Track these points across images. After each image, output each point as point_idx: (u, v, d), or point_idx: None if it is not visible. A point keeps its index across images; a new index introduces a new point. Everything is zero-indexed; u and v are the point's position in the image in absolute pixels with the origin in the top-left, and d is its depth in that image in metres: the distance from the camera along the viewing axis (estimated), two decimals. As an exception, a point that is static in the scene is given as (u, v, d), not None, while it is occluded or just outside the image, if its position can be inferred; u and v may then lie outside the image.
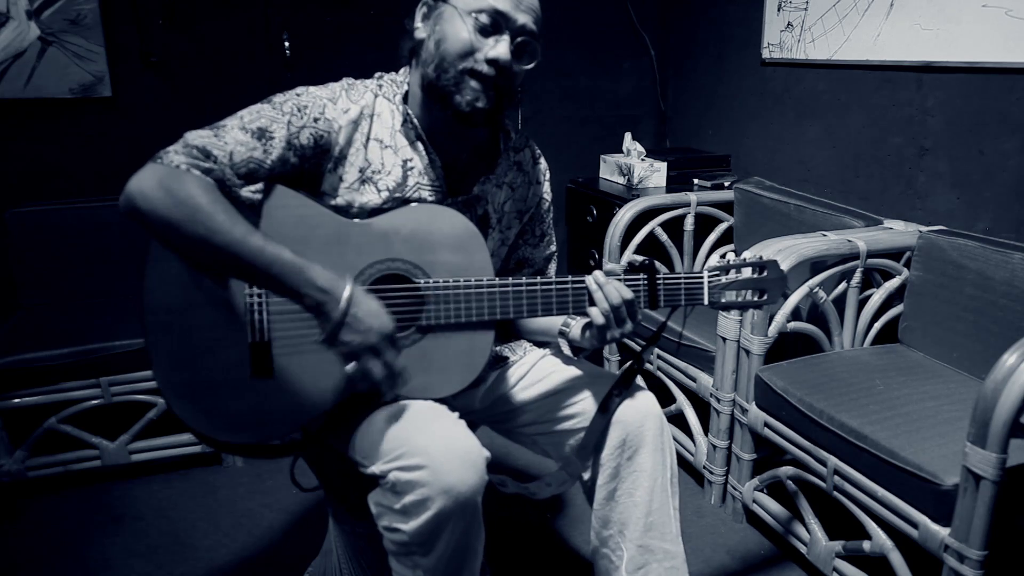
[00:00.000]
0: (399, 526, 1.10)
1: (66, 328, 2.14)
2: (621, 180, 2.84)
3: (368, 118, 1.23)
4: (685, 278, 1.23)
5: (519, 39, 1.18)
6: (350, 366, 1.09)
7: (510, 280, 1.20)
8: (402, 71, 1.30)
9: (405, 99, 1.27)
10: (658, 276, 1.22)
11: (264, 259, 1.06)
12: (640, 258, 2.38)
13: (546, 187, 1.44)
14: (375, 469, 1.12)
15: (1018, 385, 1.24)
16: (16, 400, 1.99)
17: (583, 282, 1.19)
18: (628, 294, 1.17)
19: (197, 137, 1.11)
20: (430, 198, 1.27)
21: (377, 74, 1.29)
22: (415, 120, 1.25)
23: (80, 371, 2.03)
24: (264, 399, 1.17)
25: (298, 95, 1.19)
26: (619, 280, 1.19)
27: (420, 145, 1.26)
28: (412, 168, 1.25)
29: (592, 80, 3.07)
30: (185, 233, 1.05)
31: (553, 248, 1.48)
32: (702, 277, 1.23)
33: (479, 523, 1.14)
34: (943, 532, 1.36)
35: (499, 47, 1.16)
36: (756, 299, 1.25)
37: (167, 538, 1.90)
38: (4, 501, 2.04)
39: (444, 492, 1.06)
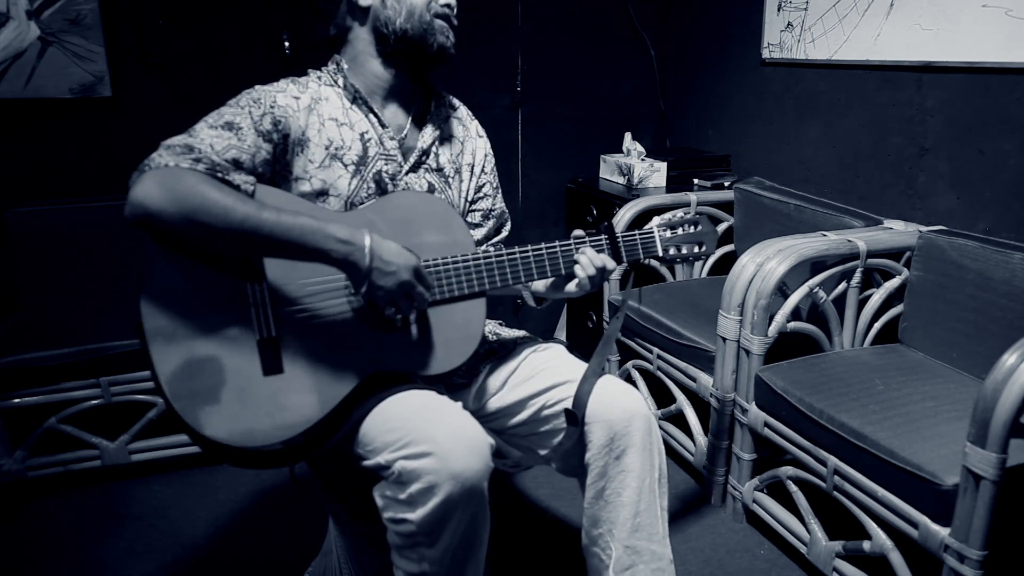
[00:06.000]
0: (406, 516, 1.10)
1: (66, 328, 2.14)
2: (621, 180, 2.84)
3: (318, 102, 1.31)
4: (640, 235, 1.38)
5: None
6: (389, 311, 1.20)
7: (492, 252, 1.28)
8: (331, 61, 1.38)
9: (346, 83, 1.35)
10: (618, 235, 1.35)
11: (283, 226, 1.11)
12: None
13: (488, 143, 1.54)
14: (380, 459, 1.12)
15: (1018, 385, 1.24)
16: (16, 400, 1.99)
17: (555, 248, 1.31)
18: (599, 263, 1.30)
19: (175, 140, 1.17)
20: (387, 166, 1.34)
21: (309, 71, 1.38)
22: (364, 96, 1.34)
23: (80, 371, 2.03)
24: (280, 396, 1.16)
25: (248, 92, 1.27)
26: (587, 243, 1.32)
27: (373, 117, 1.35)
28: (369, 140, 1.34)
29: (592, 80, 3.07)
30: (200, 222, 1.09)
31: (505, 207, 1.58)
32: (653, 233, 1.39)
33: (485, 512, 1.14)
34: (943, 532, 1.36)
35: None
36: (698, 251, 1.42)
37: (167, 538, 1.90)
38: (4, 501, 2.04)
39: (452, 478, 1.06)
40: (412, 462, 1.08)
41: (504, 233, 1.56)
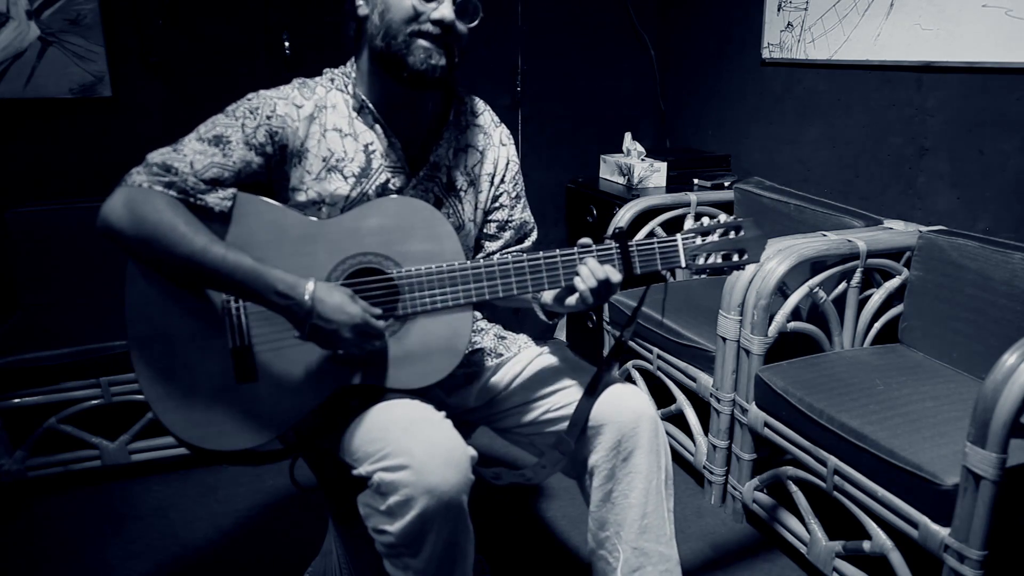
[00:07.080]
0: (385, 527, 1.10)
1: (66, 328, 2.14)
2: (621, 180, 2.84)
3: (323, 110, 1.27)
4: (659, 243, 1.23)
5: None
6: (339, 355, 1.17)
7: (481, 262, 1.21)
8: (349, 62, 1.33)
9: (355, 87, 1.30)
10: (630, 243, 1.22)
11: (227, 268, 1.11)
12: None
13: (512, 150, 1.44)
14: (361, 471, 1.13)
15: (1018, 385, 1.24)
16: (16, 400, 1.99)
17: (555, 257, 1.21)
18: (601, 275, 1.18)
19: (157, 155, 1.16)
20: (394, 179, 1.29)
21: (325, 71, 1.33)
22: (370, 105, 1.28)
23: (80, 371, 2.03)
24: (252, 403, 1.18)
25: (249, 100, 1.23)
26: (593, 252, 1.21)
27: (379, 127, 1.29)
28: (374, 151, 1.28)
29: (592, 80, 3.07)
30: (153, 248, 1.11)
31: (530, 216, 1.49)
32: (676, 241, 1.23)
33: (466, 524, 1.14)
34: (943, 532, 1.36)
35: (442, 8, 1.18)
36: (737, 259, 1.24)
37: (167, 538, 1.90)
38: (4, 501, 2.04)
39: (427, 492, 1.06)
40: (389, 475, 1.08)
41: (527, 244, 1.49)
